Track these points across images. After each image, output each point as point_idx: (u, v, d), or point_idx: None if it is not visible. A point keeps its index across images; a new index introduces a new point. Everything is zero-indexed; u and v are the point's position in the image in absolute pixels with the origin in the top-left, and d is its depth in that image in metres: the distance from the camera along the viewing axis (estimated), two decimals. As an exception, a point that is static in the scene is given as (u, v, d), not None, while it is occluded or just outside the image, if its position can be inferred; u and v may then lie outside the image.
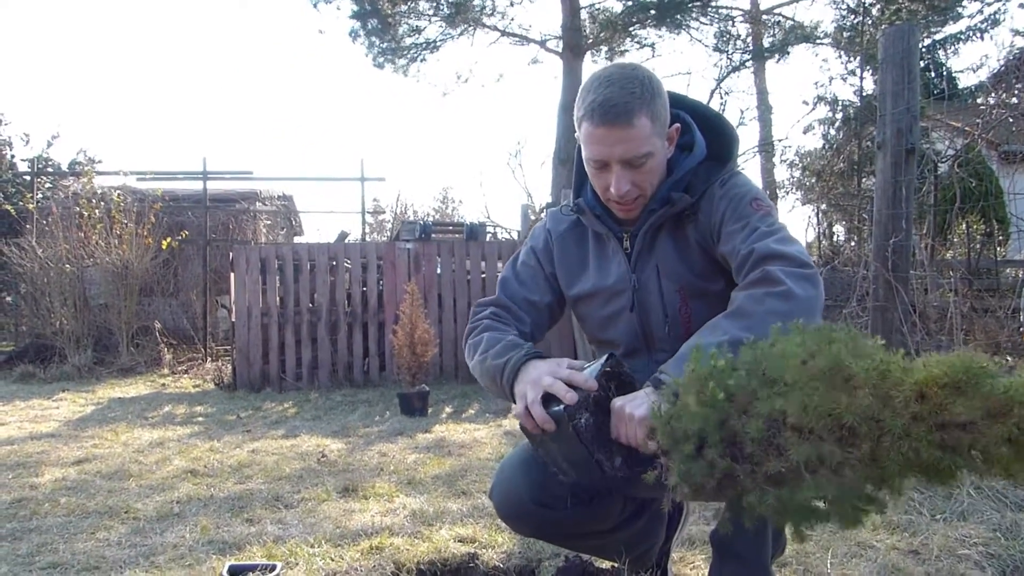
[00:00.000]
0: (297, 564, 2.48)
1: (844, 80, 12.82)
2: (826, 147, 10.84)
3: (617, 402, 1.48)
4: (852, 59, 12.34)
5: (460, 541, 2.71)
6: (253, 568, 2.41)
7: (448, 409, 6.04)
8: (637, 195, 1.71)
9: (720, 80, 14.38)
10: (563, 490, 1.76)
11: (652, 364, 1.85)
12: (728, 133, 1.85)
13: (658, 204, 1.75)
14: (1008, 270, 7.85)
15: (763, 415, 1.10)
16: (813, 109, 11.11)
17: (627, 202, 1.73)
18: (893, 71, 3.68)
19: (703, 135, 1.82)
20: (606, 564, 2.18)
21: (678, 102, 1.85)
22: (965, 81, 12.15)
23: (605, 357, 1.57)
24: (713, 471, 1.17)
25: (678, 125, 1.76)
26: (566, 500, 1.77)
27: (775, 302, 1.47)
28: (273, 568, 2.39)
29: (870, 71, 9.53)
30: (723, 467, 1.16)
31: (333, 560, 2.51)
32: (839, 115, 10.58)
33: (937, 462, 0.97)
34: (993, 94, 7.76)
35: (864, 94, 9.30)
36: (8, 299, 11.02)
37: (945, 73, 11.91)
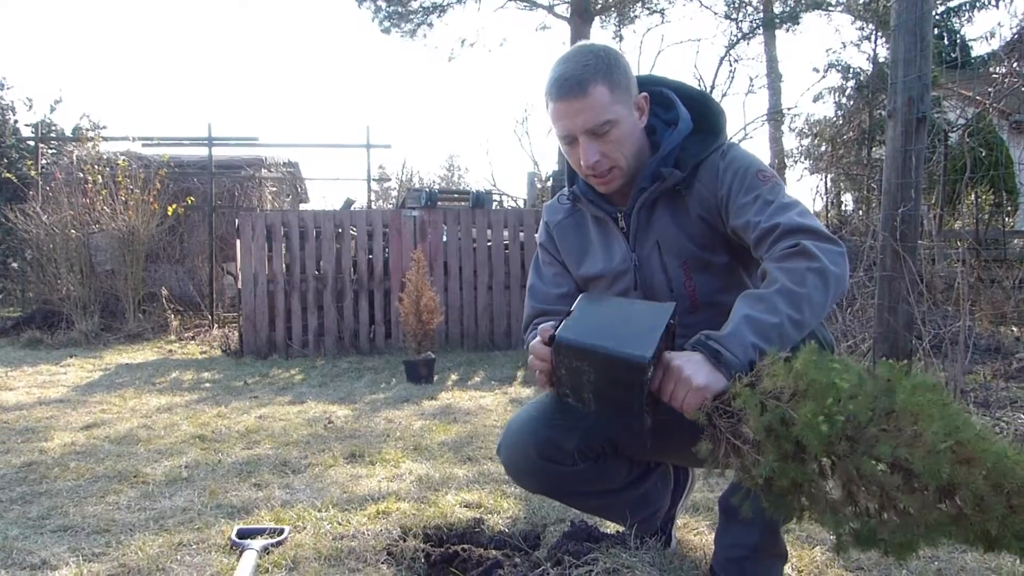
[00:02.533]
0: (305, 528, 2.50)
1: (857, 47, 12.66)
2: (837, 115, 10.71)
3: (675, 360, 1.44)
4: (866, 25, 12.16)
5: (466, 506, 2.74)
6: (261, 531, 2.44)
7: (454, 376, 6.07)
8: (610, 166, 1.73)
9: (730, 47, 14.21)
10: (570, 446, 1.78)
11: None
12: (713, 107, 1.86)
13: (648, 181, 1.76)
14: (1016, 241, 7.82)
15: (883, 458, 1.18)
16: (824, 77, 10.97)
17: (602, 174, 1.75)
18: (906, 38, 3.63)
19: (688, 111, 1.83)
20: (611, 528, 2.20)
21: (660, 82, 1.88)
22: (978, 49, 11.98)
23: (672, 307, 1.54)
24: (808, 479, 1.24)
25: (646, 94, 1.77)
26: (572, 456, 1.79)
27: (815, 280, 1.49)
28: (281, 532, 2.42)
29: (883, 38, 9.39)
30: (816, 483, 1.25)
31: (340, 524, 2.54)
32: (850, 83, 10.44)
33: (1008, 545, 1.15)
34: (1006, 63, 7.66)
35: (877, 61, 9.18)
36: (14, 265, 11.04)
37: (958, 41, 11.74)
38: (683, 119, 1.80)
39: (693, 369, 1.41)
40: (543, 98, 1.76)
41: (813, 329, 1.56)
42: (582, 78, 1.65)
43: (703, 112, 1.83)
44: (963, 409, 1.22)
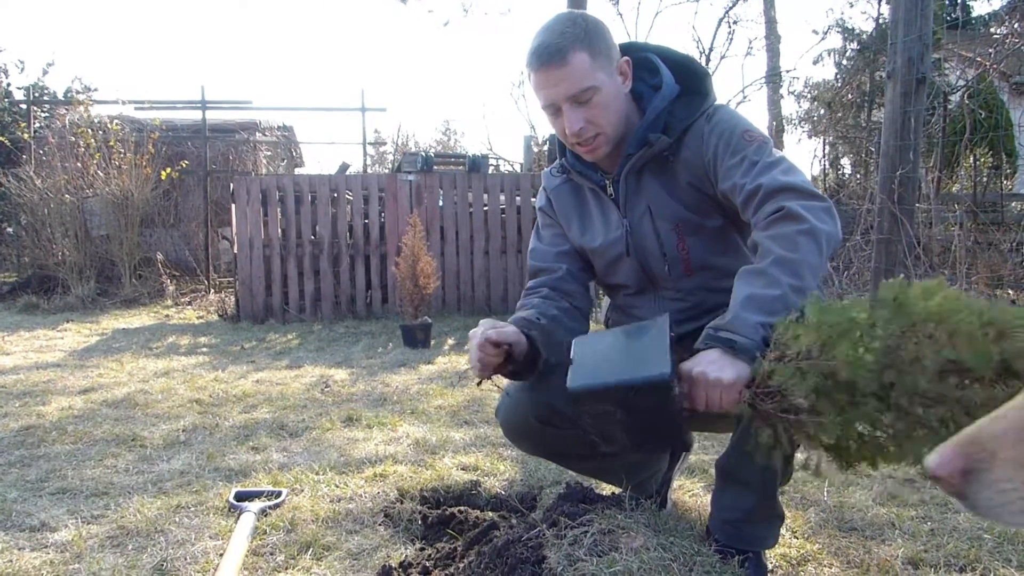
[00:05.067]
0: (302, 491, 2.52)
1: (863, 12, 12.49)
2: (837, 77, 10.62)
3: (695, 367, 1.42)
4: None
5: (463, 469, 2.75)
6: (259, 494, 2.45)
7: (450, 341, 6.07)
8: (595, 133, 1.72)
9: (729, 8, 14.02)
10: (568, 409, 1.79)
11: (659, 301, 1.86)
12: (698, 70, 1.84)
13: (635, 147, 1.75)
14: (1014, 204, 7.79)
15: (931, 366, 1.16)
16: (824, 38, 10.84)
17: (587, 142, 1.73)
18: (907, -3, 3.58)
19: (673, 75, 1.81)
20: (607, 490, 2.21)
21: (643, 47, 1.87)
22: (979, 9, 11.84)
23: (666, 320, 1.49)
24: (872, 420, 1.23)
25: (628, 58, 1.76)
26: (570, 420, 1.80)
27: (807, 242, 1.48)
28: (279, 494, 2.43)
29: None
30: (876, 418, 1.23)
31: (337, 487, 2.55)
32: (851, 45, 10.34)
33: None
34: (1007, 23, 7.58)
35: (880, 23, 9.07)
36: (9, 230, 10.98)
37: (959, 1, 11.60)
38: (667, 83, 1.79)
39: (716, 369, 1.40)
40: (525, 70, 1.74)
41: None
42: (561, 46, 1.64)
43: (688, 75, 1.81)
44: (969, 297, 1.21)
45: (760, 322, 1.42)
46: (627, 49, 1.82)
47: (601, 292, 2.17)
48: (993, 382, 1.14)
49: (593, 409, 1.43)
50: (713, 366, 1.41)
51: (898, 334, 1.20)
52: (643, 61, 1.83)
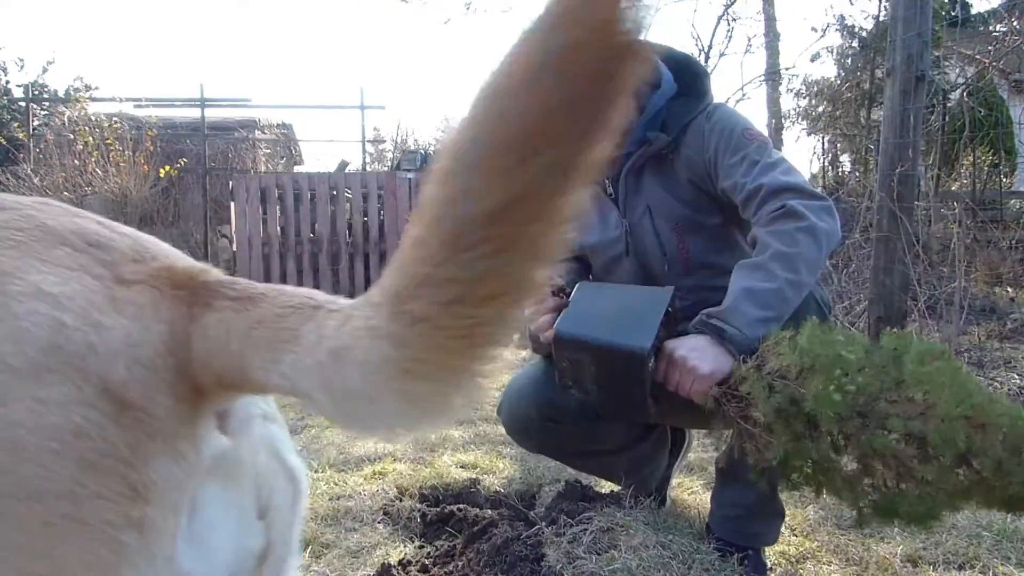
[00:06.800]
0: (301, 489, 2.51)
1: (863, 11, 12.43)
2: (840, 75, 10.59)
3: (678, 350, 1.45)
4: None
5: (462, 467, 2.75)
6: (258, 492, 2.45)
7: (449, 339, 6.07)
8: None
9: (728, 6, 14.01)
10: (570, 406, 1.80)
11: None
12: (696, 68, 1.86)
13: (634, 145, 1.76)
14: (1013, 201, 7.80)
15: (896, 431, 1.16)
16: (822, 36, 10.80)
17: None
18: (906, -6, 3.58)
19: (671, 73, 1.82)
20: (606, 488, 2.21)
21: None
22: (978, 6, 11.82)
23: (668, 294, 1.53)
24: (822, 458, 1.24)
25: None
26: (572, 416, 1.81)
27: (806, 238, 1.50)
28: (278, 492, 2.43)
29: (883, -4, 9.26)
30: (830, 460, 1.23)
31: (337, 485, 2.55)
32: (848, 41, 10.32)
33: None
34: (1006, 20, 7.58)
35: (881, 19, 9.06)
36: (8, 228, 10.95)
37: (959, -2, 11.59)
38: (666, 80, 1.79)
39: (697, 357, 1.42)
40: None
41: (811, 290, 1.57)
42: None
43: (686, 74, 1.82)
44: (971, 374, 1.20)
45: (759, 317, 1.43)
46: None
47: None
48: (951, 467, 1.14)
49: (572, 356, 1.50)
50: (695, 353, 1.43)
51: (877, 389, 1.19)
52: None
